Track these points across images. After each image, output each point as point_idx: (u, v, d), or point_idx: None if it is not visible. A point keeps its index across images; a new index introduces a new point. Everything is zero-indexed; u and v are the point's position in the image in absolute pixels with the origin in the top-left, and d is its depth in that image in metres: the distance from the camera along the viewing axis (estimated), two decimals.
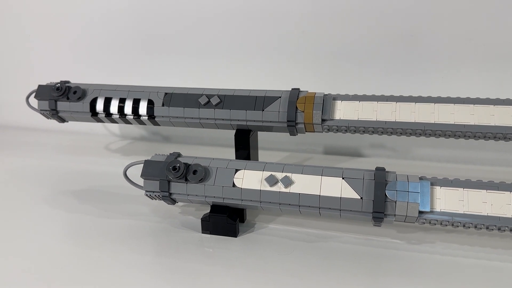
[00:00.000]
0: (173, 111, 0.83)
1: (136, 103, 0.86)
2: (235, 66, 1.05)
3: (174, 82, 0.93)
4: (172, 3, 1.05)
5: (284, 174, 0.67)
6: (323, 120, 0.75)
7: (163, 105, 0.84)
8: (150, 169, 0.71)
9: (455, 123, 0.71)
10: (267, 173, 0.68)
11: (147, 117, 0.86)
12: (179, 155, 0.73)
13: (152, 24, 1.08)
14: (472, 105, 0.72)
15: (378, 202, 0.63)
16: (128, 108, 0.86)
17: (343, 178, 0.66)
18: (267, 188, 0.67)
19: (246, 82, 0.92)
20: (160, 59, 1.10)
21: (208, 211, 0.72)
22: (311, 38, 0.99)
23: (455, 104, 0.72)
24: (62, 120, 0.94)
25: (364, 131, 0.75)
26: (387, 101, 0.75)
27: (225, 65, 1.05)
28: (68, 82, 0.93)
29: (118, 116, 0.87)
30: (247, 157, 0.83)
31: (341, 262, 0.65)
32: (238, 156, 0.83)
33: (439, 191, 0.63)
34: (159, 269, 0.66)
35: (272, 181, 0.67)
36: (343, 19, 0.96)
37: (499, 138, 0.70)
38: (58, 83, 0.91)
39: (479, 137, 0.71)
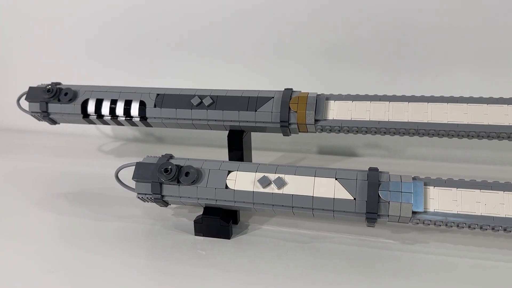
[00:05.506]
0: (165, 112, 0.83)
1: (127, 104, 0.85)
2: (228, 67, 1.04)
3: (166, 83, 0.92)
4: (164, 4, 1.04)
5: (277, 175, 0.67)
6: (316, 121, 0.75)
7: (155, 106, 0.83)
8: (142, 171, 0.71)
9: (449, 122, 0.71)
10: (260, 175, 0.68)
11: (139, 119, 0.85)
12: (171, 156, 0.73)
13: (143, 25, 1.07)
14: (466, 104, 0.72)
15: (372, 202, 0.63)
16: (119, 109, 0.85)
17: (336, 179, 0.65)
18: (260, 189, 0.67)
19: (238, 83, 0.92)
20: (152, 60, 1.09)
21: (201, 213, 0.72)
22: (303, 38, 0.98)
23: (449, 103, 0.72)
24: (53, 122, 0.93)
25: (357, 131, 0.74)
26: (380, 100, 0.74)
27: (217, 66, 1.05)
28: (59, 83, 0.92)
29: (110, 117, 0.87)
30: (241, 158, 0.82)
31: (335, 262, 0.65)
32: (231, 157, 0.83)
33: (432, 191, 0.63)
34: (152, 271, 0.65)
35: (265, 182, 0.67)
36: (335, 18, 0.95)
37: (493, 137, 0.70)
38: (49, 84, 0.90)
39: (472, 136, 0.71)
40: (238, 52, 1.03)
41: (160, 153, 0.75)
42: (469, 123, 0.70)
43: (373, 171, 0.65)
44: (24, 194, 0.88)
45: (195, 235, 0.72)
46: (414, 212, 0.62)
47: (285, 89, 0.79)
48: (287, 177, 0.67)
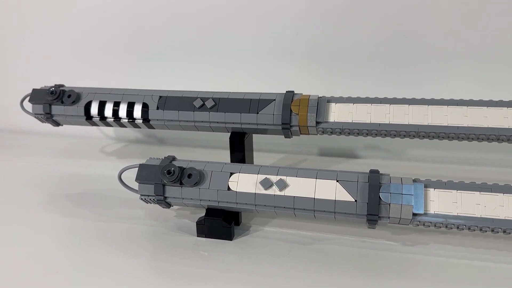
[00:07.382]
0: (168, 114, 0.83)
1: (130, 107, 0.86)
2: (230, 69, 1.05)
3: (168, 85, 0.93)
4: (167, 6, 1.05)
5: (278, 177, 0.68)
6: (317, 123, 0.75)
7: (157, 108, 0.84)
8: (145, 173, 0.71)
9: (449, 124, 0.72)
10: (261, 176, 0.68)
11: (141, 121, 0.86)
12: (173, 158, 0.73)
13: (146, 27, 1.08)
14: (466, 106, 0.72)
15: (372, 204, 0.63)
16: (122, 111, 0.86)
17: (337, 181, 0.66)
18: (262, 191, 0.67)
19: (240, 85, 0.93)
20: (155, 62, 1.09)
21: (203, 214, 0.72)
22: (305, 40, 0.99)
23: (449, 106, 0.73)
24: (56, 123, 0.94)
25: (358, 133, 0.75)
26: (381, 103, 0.75)
27: (219, 68, 1.05)
28: (62, 85, 0.92)
29: (113, 119, 0.87)
30: (242, 160, 0.83)
31: (336, 264, 0.66)
32: (233, 159, 0.83)
33: (432, 193, 0.64)
34: (154, 273, 0.66)
35: (266, 184, 0.67)
36: (337, 21, 0.96)
37: (492, 139, 0.71)
38: (52, 86, 0.90)
39: (472, 138, 0.71)
40: (240, 55, 1.03)
41: (162, 154, 0.76)
42: (469, 125, 0.71)
43: (374, 173, 0.66)
44: (27, 195, 0.89)
45: (197, 236, 0.73)
46: (414, 214, 0.63)
47: (286, 91, 0.79)
48: (288, 179, 0.67)
